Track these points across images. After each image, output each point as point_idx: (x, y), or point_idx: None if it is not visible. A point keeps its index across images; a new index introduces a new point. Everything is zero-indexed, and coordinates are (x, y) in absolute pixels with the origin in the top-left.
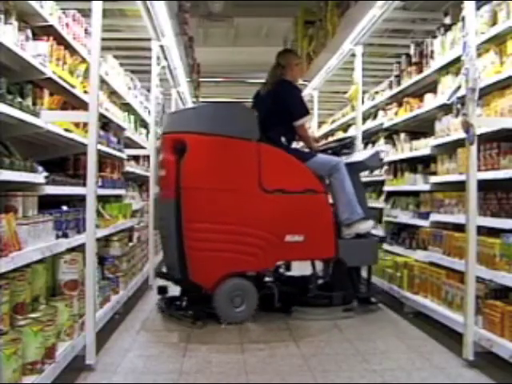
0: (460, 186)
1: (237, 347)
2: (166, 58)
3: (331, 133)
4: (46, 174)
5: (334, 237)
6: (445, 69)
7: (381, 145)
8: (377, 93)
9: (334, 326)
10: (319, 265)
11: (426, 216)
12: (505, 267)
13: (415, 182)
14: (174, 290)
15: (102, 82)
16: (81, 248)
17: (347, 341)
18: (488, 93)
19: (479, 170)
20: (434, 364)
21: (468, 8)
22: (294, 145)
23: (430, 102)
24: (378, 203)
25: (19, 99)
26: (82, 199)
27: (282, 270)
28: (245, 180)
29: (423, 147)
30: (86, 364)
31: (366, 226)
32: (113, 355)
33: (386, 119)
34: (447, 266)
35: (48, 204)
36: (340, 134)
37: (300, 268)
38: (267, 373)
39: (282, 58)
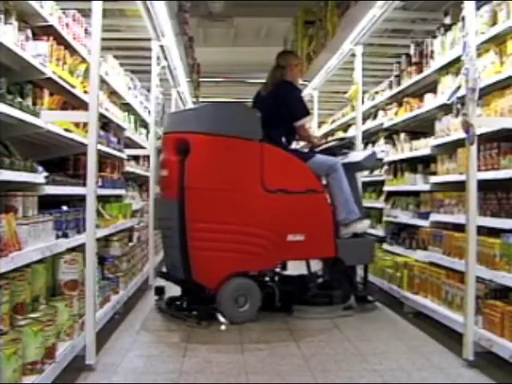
0: (460, 186)
1: (237, 347)
2: (166, 58)
3: (331, 133)
4: (46, 173)
5: (334, 236)
6: (445, 69)
7: (381, 145)
8: (377, 93)
9: (333, 326)
10: (313, 264)
11: (425, 216)
12: (505, 267)
13: (415, 182)
14: (171, 291)
15: (102, 82)
16: (81, 248)
17: (347, 341)
18: (488, 93)
19: (479, 170)
20: (434, 364)
21: (468, 8)
22: (294, 145)
23: (430, 102)
24: (378, 203)
25: (19, 99)
26: (82, 199)
27: (277, 270)
28: (248, 180)
29: (423, 147)
30: (86, 364)
31: (363, 225)
32: (113, 355)
33: (386, 119)
34: (447, 265)
35: (48, 204)
36: (340, 134)
37: (295, 267)
38: (267, 373)
39: (281, 59)
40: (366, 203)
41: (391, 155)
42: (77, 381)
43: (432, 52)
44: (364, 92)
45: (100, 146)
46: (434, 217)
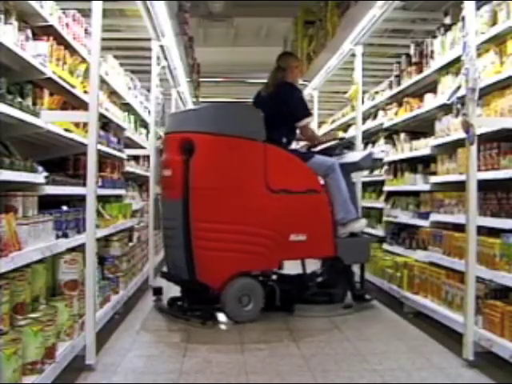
0: (460, 186)
1: (237, 347)
2: (166, 58)
3: (331, 133)
4: (46, 173)
5: (334, 236)
6: (445, 69)
7: (381, 145)
8: (377, 93)
9: (333, 326)
10: (308, 263)
11: (425, 216)
12: (505, 267)
13: (415, 182)
14: (171, 291)
15: (102, 82)
16: (81, 248)
17: (347, 341)
18: (488, 93)
19: (479, 170)
20: (434, 364)
21: (468, 8)
22: (294, 145)
23: (430, 102)
24: (378, 203)
25: (19, 99)
26: (82, 199)
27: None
28: (252, 180)
29: (423, 147)
30: (86, 364)
31: (360, 224)
32: (113, 355)
33: (386, 119)
34: (447, 265)
35: (48, 204)
36: (340, 134)
37: (290, 267)
38: (267, 373)
39: (282, 60)
40: (366, 203)
41: (391, 155)
42: (77, 381)
43: (432, 52)
44: (364, 92)
45: (100, 146)
46: (434, 217)
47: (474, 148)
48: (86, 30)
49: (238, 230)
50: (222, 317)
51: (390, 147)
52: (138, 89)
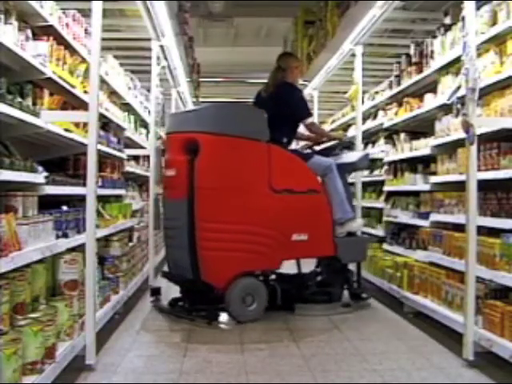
0: (460, 186)
1: (237, 347)
2: (166, 58)
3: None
4: (46, 173)
5: (333, 235)
6: (445, 69)
7: (381, 145)
8: (377, 93)
9: (333, 326)
10: (303, 263)
11: (425, 216)
12: (505, 267)
13: (415, 182)
14: (171, 291)
15: (102, 82)
16: (81, 248)
17: (347, 341)
18: (488, 93)
19: (479, 170)
20: (434, 364)
21: (468, 8)
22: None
23: (430, 102)
24: (378, 203)
25: (19, 99)
26: (82, 199)
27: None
28: (257, 180)
29: (423, 147)
30: (86, 364)
31: (357, 224)
32: (113, 355)
33: (386, 119)
34: (447, 265)
35: (48, 204)
36: (344, 134)
37: (285, 266)
38: (267, 373)
39: (282, 61)
40: (366, 203)
41: (391, 155)
42: (77, 381)
43: (432, 52)
44: (364, 92)
45: (100, 146)
46: (434, 217)
47: (474, 148)
48: (86, 29)
49: (243, 229)
50: (224, 317)
51: (390, 147)
52: (138, 89)
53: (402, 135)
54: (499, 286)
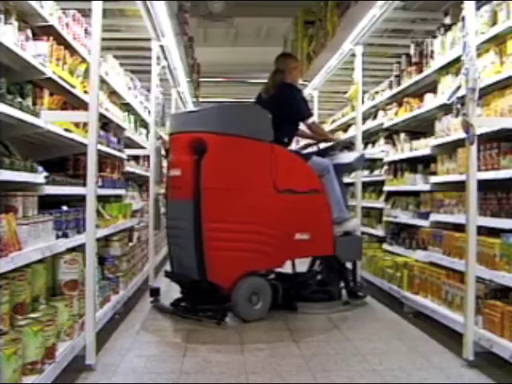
0: (460, 186)
1: (237, 347)
2: (166, 58)
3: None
4: (46, 173)
5: (333, 234)
6: (445, 69)
7: (381, 145)
8: (377, 93)
9: (333, 325)
10: (298, 262)
11: (425, 216)
12: (505, 267)
13: (415, 182)
14: (171, 291)
15: (102, 82)
16: (81, 248)
17: (347, 341)
18: (488, 93)
19: (479, 170)
20: (433, 364)
21: (468, 8)
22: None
23: (430, 102)
24: (378, 203)
25: (19, 99)
26: (81, 199)
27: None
28: (262, 180)
29: (423, 147)
30: (86, 364)
31: (354, 223)
32: (113, 355)
33: (386, 119)
34: (447, 265)
35: (48, 204)
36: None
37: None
38: (267, 373)
39: (280, 62)
40: (366, 203)
41: (391, 155)
42: (77, 381)
43: (432, 52)
44: (364, 92)
45: (100, 146)
46: (434, 217)
47: (473, 148)
48: (86, 30)
49: (249, 229)
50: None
51: (390, 147)
52: (138, 89)
53: (402, 135)
54: (499, 286)
